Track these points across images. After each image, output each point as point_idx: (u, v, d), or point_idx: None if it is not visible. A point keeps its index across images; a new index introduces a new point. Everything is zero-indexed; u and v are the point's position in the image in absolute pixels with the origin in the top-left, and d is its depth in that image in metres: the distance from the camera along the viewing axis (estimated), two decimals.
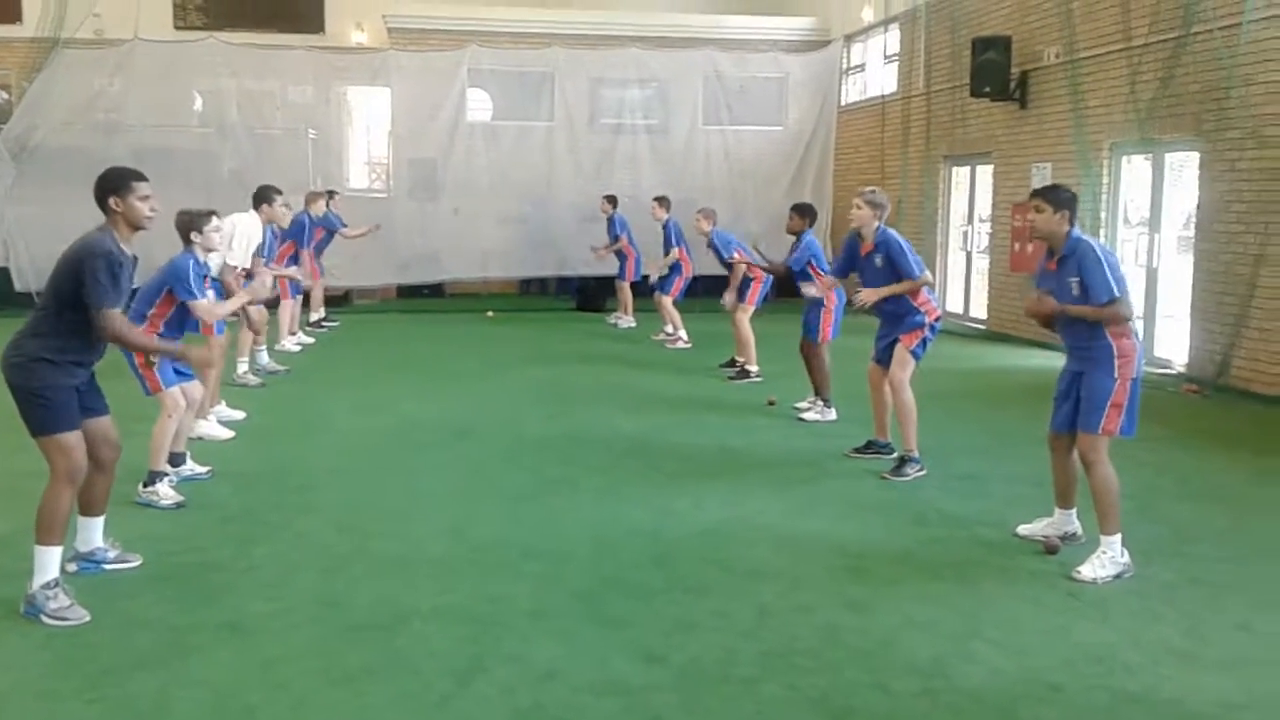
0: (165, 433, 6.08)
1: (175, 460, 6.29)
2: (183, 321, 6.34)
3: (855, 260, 7.07)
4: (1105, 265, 4.94)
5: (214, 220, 6.55)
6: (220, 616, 4.41)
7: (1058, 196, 5.09)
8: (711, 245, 10.70)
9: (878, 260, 6.82)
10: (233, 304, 6.75)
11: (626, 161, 17.29)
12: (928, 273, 6.81)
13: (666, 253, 12.82)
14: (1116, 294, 4.91)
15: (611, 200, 14.56)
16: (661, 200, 13.25)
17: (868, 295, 6.83)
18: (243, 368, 9.65)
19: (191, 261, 6.31)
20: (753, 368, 10.23)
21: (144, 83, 15.75)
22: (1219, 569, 5.13)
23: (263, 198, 9.25)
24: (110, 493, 4.88)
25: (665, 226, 12.95)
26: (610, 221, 14.40)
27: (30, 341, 4.39)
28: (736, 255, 10.38)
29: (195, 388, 6.49)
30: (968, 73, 13.38)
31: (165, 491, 5.94)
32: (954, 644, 4.22)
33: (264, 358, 10.26)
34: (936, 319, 6.85)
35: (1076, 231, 5.10)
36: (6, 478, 6.19)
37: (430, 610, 4.50)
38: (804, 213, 8.97)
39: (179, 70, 16.12)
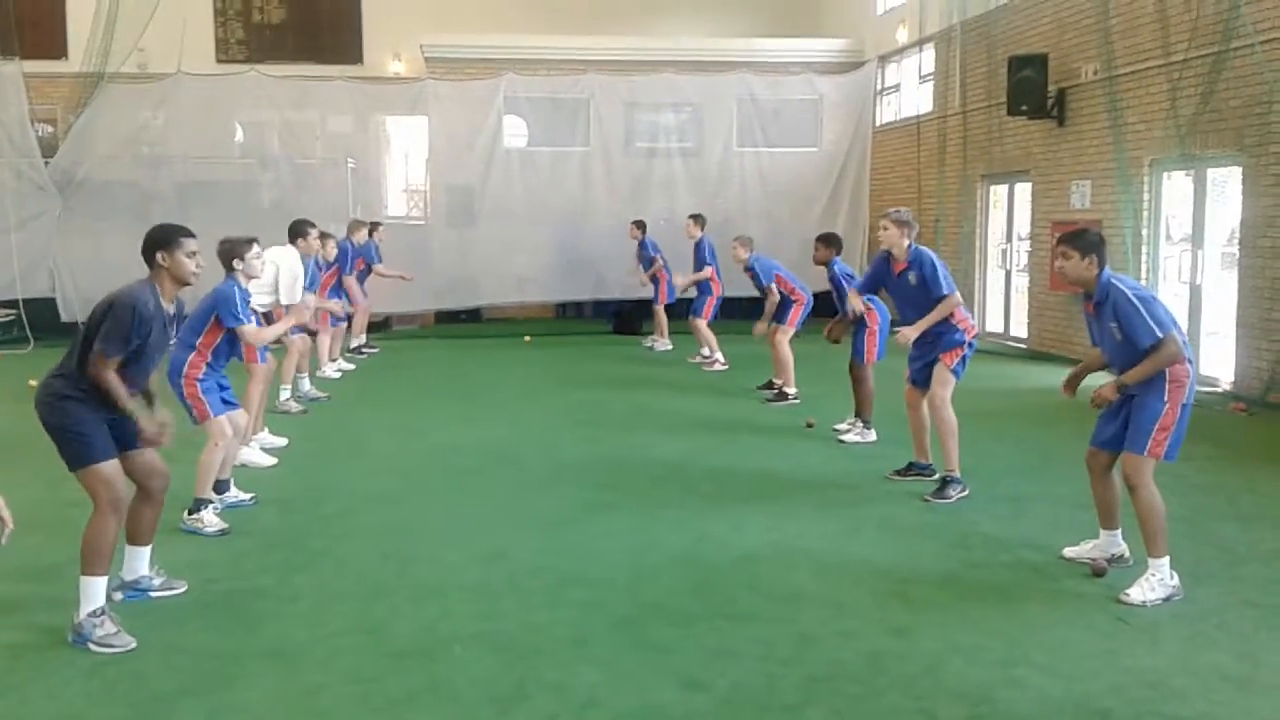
0: (213, 461, 6.15)
1: (220, 487, 6.36)
2: (230, 350, 6.43)
3: (884, 279, 7.04)
4: (1140, 307, 4.86)
5: (255, 248, 6.63)
6: (264, 644, 4.44)
7: (1084, 242, 5.03)
8: (750, 272, 10.67)
9: (911, 278, 6.78)
10: (279, 328, 6.82)
11: (662, 185, 17.34)
12: (957, 293, 6.73)
13: (698, 270, 12.85)
14: (1160, 334, 4.83)
15: (640, 225, 14.60)
16: (696, 218, 13.27)
17: (908, 335, 6.75)
18: (285, 394, 9.74)
19: (235, 288, 6.40)
20: (791, 390, 10.19)
21: (187, 116, 16.00)
22: (1271, 590, 5.03)
23: (298, 232, 9.36)
24: (158, 522, 4.93)
25: (698, 245, 12.98)
26: (641, 246, 14.44)
27: (56, 381, 4.49)
28: (776, 281, 10.33)
29: (240, 416, 6.57)
30: (1004, 91, 13.32)
31: (210, 519, 6.00)
32: (1000, 669, 4.17)
33: (306, 384, 10.36)
34: (975, 336, 6.80)
35: (1107, 274, 5.03)
36: (54, 507, 6.27)
37: (471, 637, 4.51)
38: (830, 242, 8.96)
39: (221, 103, 16.37)
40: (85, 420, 4.43)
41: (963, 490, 6.63)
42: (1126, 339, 4.90)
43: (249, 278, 6.61)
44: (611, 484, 7.11)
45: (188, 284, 4.65)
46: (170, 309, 4.63)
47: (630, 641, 4.47)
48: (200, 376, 6.17)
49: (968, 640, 4.45)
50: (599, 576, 5.27)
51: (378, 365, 13.14)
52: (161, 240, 4.58)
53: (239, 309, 6.31)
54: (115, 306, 4.40)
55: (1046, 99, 12.94)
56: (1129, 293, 4.92)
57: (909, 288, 6.81)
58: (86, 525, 4.45)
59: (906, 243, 6.82)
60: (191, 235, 4.65)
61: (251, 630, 4.60)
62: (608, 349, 14.69)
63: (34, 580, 5.21)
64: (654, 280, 14.36)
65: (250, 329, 6.38)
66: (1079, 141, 12.72)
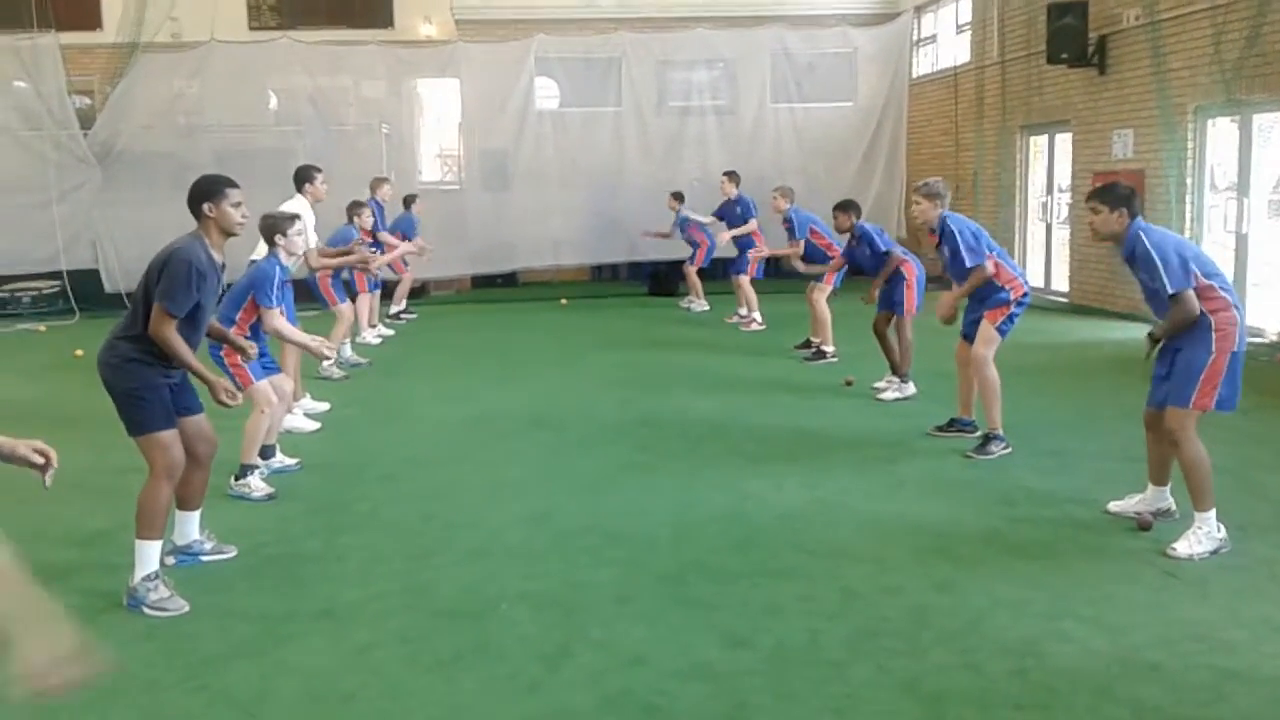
0: (258, 427, 6.21)
1: (265, 453, 6.43)
2: (258, 335, 6.44)
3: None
4: (1158, 259, 4.78)
5: (297, 224, 6.66)
6: (313, 605, 4.51)
7: (1113, 195, 4.96)
8: (788, 224, 10.61)
9: (946, 251, 6.74)
10: (300, 339, 6.69)
11: (695, 143, 17.20)
12: (984, 266, 6.56)
13: (742, 224, 12.71)
14: (1171, 289, 4.75)
15: (678, 197, 14.48)
16: (731, 175, 13.15)
17: (944, 310, 6.66)
18: (327, 362, 9.80)
19: (277, 267, 6.43)
20: (829, 348, 10.15)
21: (221, 84, 16.05)
22: None
23: (304, 178, 8.95)
24: (207, 487, 5.01)
25: (737, 202, 12.87)
26: (678, 217, 14.32)
27: (123, 343, 4.52)
28: (810, 235, 10.28)
29: (284, 381, 6.63)
30: (1043, 39, 13.06)
31: (257, 484, 6.09)
32: (1046, 623, 4.15)
33: (347, 350, 10.43)
34: (1023, 295, 6.71)
35: (1135, 225, 4.94)
36: (104, 475, 6.38)
37: (516, 596, 4.55)
38: (848, 208, 8.95)
39: (254, 70, 16.40)
40: (151, 385, 4.48)
41: (1005, 447, 6.59)
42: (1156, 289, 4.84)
43: (290, 254, 6.64)
44: (651, 444, 7.13)
45: (234, 234, 4.68)
46: (220, 259, 4.65)
47: (674, 599, 4.50)
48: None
49: (1012, 595, 4.43)
50: (641, 535, 5.29)
51: (416, 331, 13.22)
52: (208, 191, 4.61)
53: (273, 291, 6.33)
54: (171, 263, 4.43)
55: (1087, 46, 12.67)
56: (1149, 244, 4.83)
57: (945, 259, 6.78)
58: (141, 490, 4.52)
59: (938, 213, 6.76)
60: (236, 185, 4.68)
61: (300, 592, 4.67)
62: (644, 310, 14.67)
63: (85, 545, 5.32)
64: (691, 243, 14.28)
65: (276, 315, 6.37)
66: (1120, 89, 12.47)
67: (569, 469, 6.61)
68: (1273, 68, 10.05)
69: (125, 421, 4.52)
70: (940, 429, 7.14)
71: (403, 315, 13.93)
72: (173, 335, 4.44)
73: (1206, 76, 10.91)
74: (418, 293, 15.90)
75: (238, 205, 4.64)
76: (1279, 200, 10.46)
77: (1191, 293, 4.80)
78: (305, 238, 8.41)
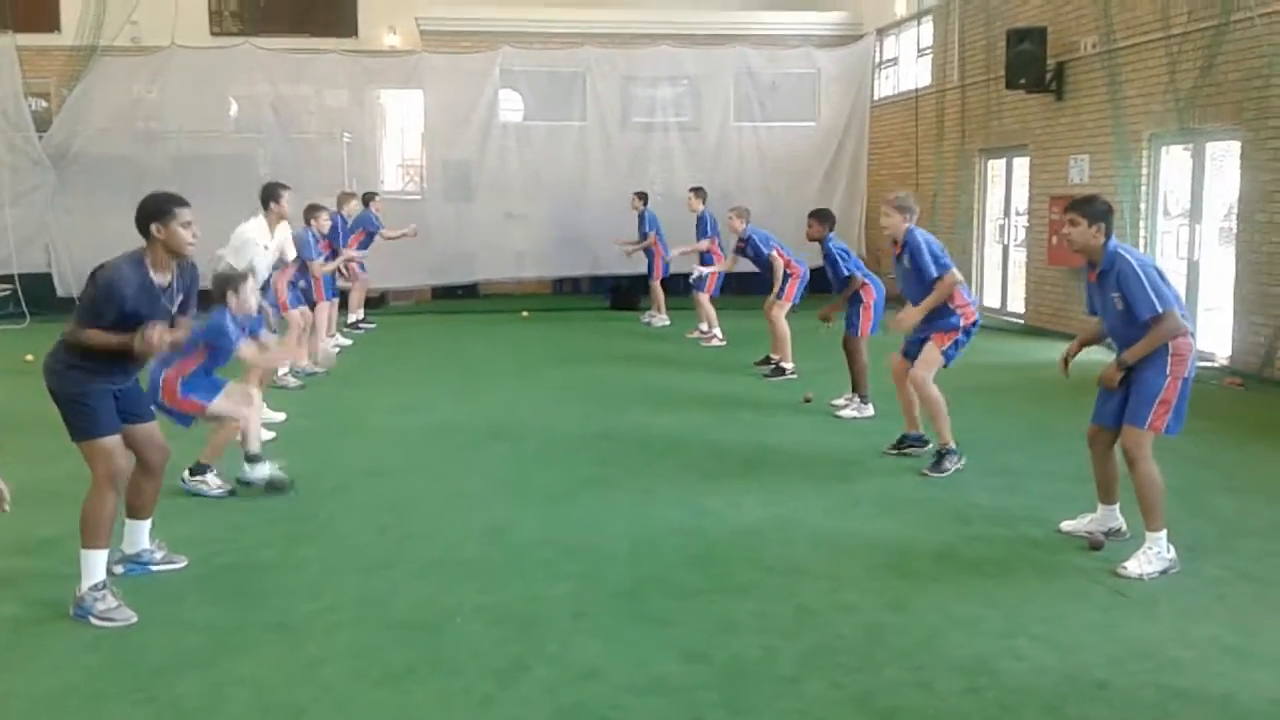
0: (229, 433, 6.13)
1: (253, 460, 6.27)
2: (211, 366, 6.11)
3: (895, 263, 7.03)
4: (1144, 279, 4.85)
5: (250, 281, 6.36)
6: (265, 617, 4.46)
7: (1092, 209, 5.01)
8: (744, 243, 10.65)
9: (905, 262, 6.79)
10: (276, 356, 6.55)
11: (659, 160, 17.28)
12: (954, 272, 6.67)
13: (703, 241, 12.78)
14: (1159, 309, 4.81)
15: (642, 197, 14.56)
16: (698, 191, 13.23)
17: (907, 319, 6.71)
18: (282, 370, 9.72)
19: (227, 317, 6.11)
20: (788, 365, 10.20)
21: (181, 89, 15.90)
22: (1268, 564, 5.05)
23: (270, 195, 8.63)
24: (158, 496, 4.94)
25: (701, 218, 12.94)
26: (641, 218, 14.41)
27: (65, 351, 4.47)
28: (775, 252, 10.34)
29: (235, 387, 6.51)
30: (1003, 64, 13.26)
31: (213, 480, 6.02)
32: (998, 641, 4.19)
33: (303, 359, 10.32)
34: (973, 322, 6.75)
35: (1114, 243, 5.02)
36: (50, 482, 6.26)
37: (472, 610, 4.52)
38: (823, 219, 8.89)
39: (215, 77, 16.27)
40: (93, 392, 4.44)
41: (959, 460, 6.64)
42: (1128, 309, 4.89)
43: (242, 311, 6.36)
44: (610, 459, 7.12)
45: (183, 255, 4.55)
46: (164, 280, 4.51)
47: (630, 614, 4.49)
48: (180, 389, 5.86)
49: (965, 613, 4.47)
50: (598, 550, 5.28)
51: (375, 341, 13.12)
52: (155, 211, 4.47)
53: (232, 339, 6.03)
54: (95, 279, 4.39)
55: (1045, 72, 12.88)
56: (1135, 263, 4.91)
57: (904, 271, 6.84)
58: (85, 499, 4.46)
59: (905, 226, 6.82)
60: (185, 204, 4.54)
61: (252, 603, 4.61)
62: (605, 324, 14.67)
63: (32, 554, 5.22)
64: (648, 254, 14.34)
65: (249, 350, 6.14)
66: (1077, 115, 12.68)
67: (527, 482, 6.59)
68: (1226, 97, 10.26)
69: (68, 427, 4.47)
70: (894, 447, 7.18)
71: (361, 325, 13.85)
72: (78, 333, 4.38)
73: (1161, 104, 11.11)
74: (376, 303, 15.81)
75: (187, 225, 4.49)
76: (1230, 227, 10.65)
77: (1176, 311, 4.87)
78: (262, 255, 8.22)
